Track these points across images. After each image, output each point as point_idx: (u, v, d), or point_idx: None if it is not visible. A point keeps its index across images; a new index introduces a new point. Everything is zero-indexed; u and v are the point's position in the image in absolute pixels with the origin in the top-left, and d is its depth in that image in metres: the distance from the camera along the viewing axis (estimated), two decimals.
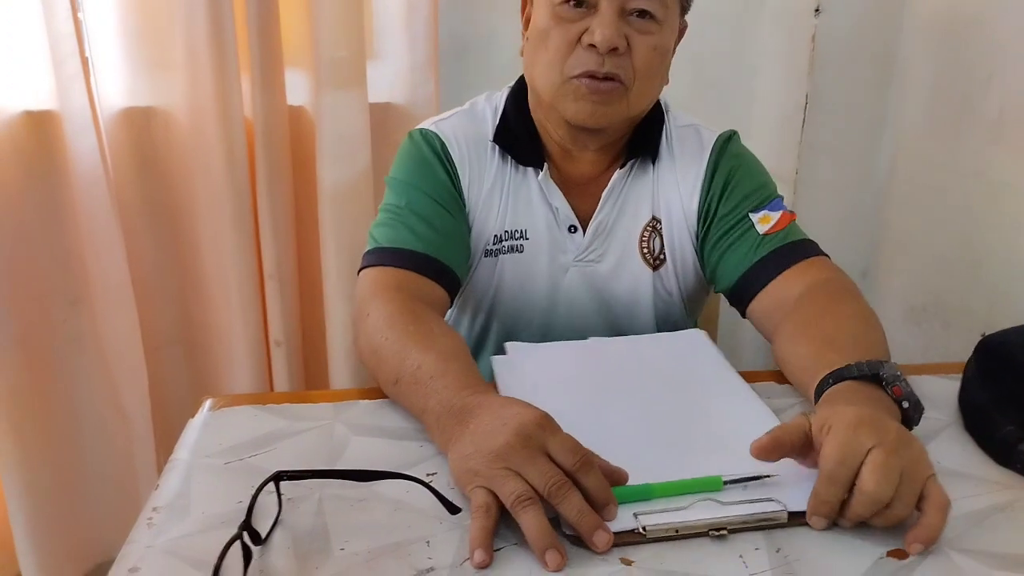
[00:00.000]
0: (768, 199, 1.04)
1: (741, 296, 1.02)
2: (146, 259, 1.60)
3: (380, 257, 0.97)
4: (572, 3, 0.94)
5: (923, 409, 0.75)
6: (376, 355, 0.85)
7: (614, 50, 0.93)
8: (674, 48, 1.03)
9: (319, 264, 1.66)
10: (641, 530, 0.63)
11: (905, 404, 0.73)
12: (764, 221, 1.01)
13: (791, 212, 1.04)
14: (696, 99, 1.74)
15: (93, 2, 1.45)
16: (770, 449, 0.67)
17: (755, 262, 1.00)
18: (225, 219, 1.56)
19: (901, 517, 0.63)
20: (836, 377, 0.75)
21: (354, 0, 1.53)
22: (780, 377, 0.91)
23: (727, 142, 1.08)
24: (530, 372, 0.89)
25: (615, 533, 0.63)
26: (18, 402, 1.54)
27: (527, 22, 1.02)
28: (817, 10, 1.57)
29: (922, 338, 1.55)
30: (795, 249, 0.99)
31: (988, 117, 1.37)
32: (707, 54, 1.75)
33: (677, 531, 0.63)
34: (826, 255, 1.00)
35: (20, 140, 1.44)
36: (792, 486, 0.67)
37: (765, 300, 0.98)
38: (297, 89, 1.59)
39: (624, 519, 0.64)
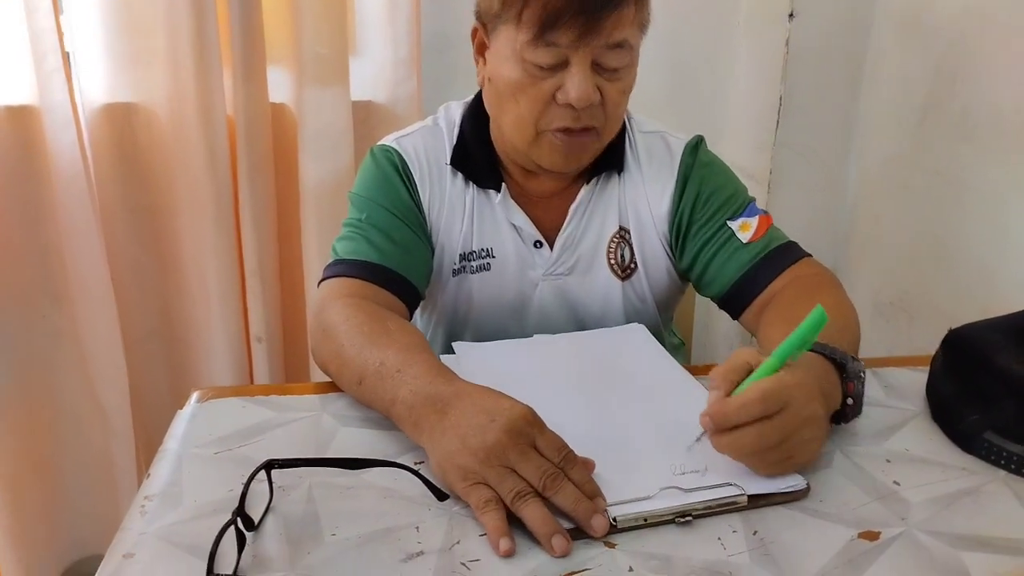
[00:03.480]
0: (744, 205, 1.05)
1: (733, 305, 1.04)
2: (126, 255, 1.61)
3: (339, 269, 0.98)
4: (547, 66, 0.91)
5: (860, 413, 0.78)
6: (338, 358, 0.85)
7: (589, 104, 0.93)
8: None
9: (300, 261, 1.67)
10: (612, 520, 0.65)
11: (849, 400, 0.77)
12: (744, 229, 1.03)
13: (766, 214, 1.05)
14: (673, 102, 1.77)
15: None
16: (726, 380, 0.70)
17: (744, 272, 1.01)
18: (206, 216, 1.56)
19: (775, 470, 0.69)
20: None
21: None
22: None
23: (695, 149, 1.08)
24: (479, 370, 0.89)
25: None
26: None
27: (480, 48, 1.00)
28: (791, 15, 1.60)
29: (889, 332, 1.60)
30: (781, 254, 1.01)
31: (953, 117, 1.41)
32: (684, 58, 1.79)
33: (646, 520, 0.66)
34: (809, 254, 1.03)
35: None
36: (750, 470, 0.70)
37: (757, 306, 1.00)
38: (279, 86, 1.60)
39: None
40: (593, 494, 0.66)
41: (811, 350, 0.76)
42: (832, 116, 1.68)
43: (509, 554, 0.62)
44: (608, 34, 0.89)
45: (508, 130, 0.99)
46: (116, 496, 1.69)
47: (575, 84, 0.90)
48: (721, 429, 0.68)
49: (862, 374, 0.77)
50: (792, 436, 0.68)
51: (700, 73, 1.81)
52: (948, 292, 1.45)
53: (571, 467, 0.67)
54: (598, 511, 0.64)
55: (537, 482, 0.65)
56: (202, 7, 1.44)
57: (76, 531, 1.71)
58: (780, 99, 1.65)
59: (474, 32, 1.01)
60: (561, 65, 0.91)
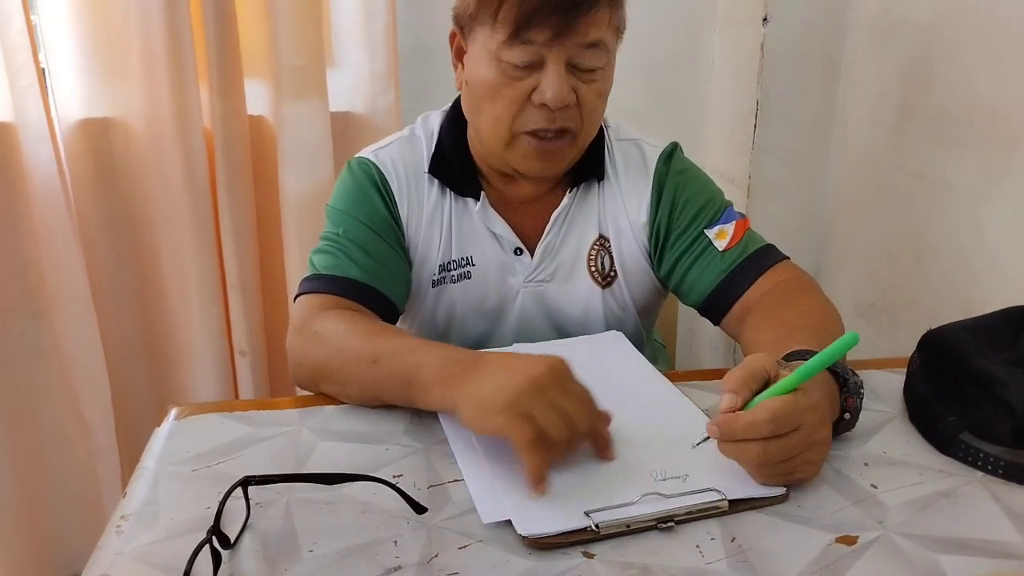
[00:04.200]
0: (720, 212, 1.05)
1: (713, 312, 1.04)
2: (106, 270, 1.60)
3: (317, 284, 0.98)
4: (522, 65, 0.92)
5: (854, 427, 0.79)
6: (341, 351, 0.85)
7: (566, 106, 0.93)
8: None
9: (283, 273, 1.66)
10: (594, 527, 0.65)
11: (846, 415, 0.77)
12: (721, 236, 1.03)
13: (743, 217, 1.05)
14: (652, 106, 1.78)
15: (48, 12, 1.44)
16: (745, 387, 0.70)
17: (721, 280, 1.01)
18: (186, 229, 1.56)
19: (783, 479, 0.70)
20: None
21: (312, 8, 1.54)
22: None
23: (669, 157, 1.08)
24: None
25: (569, 532, 0.65)
26: None
27: (458, 53, 1.00)
28: (765, 19, 1.61)
29: (872, 333, 1.60)
30: (758, 259, 1.01)
31: (929, 118, 1.42)
32: (662, 63, 1.79)
33: (628, 526, 0.66)
34: (787, 257, 1.03)
35: None
36: (730, 476, 0.71)
37: (737, 311, 1.01)
38: (257, 99, 1.60)
39: (576, 518, 0.66)
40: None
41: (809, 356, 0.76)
42: (809, 119, 1.69)
43: (542, 494, 0.68)
44: (583, 33, 0.90)
45: (484, 132, 0.99)
46: (101, 513, 1.68)
47: (550, 83, 0.91)
48: (728, 440, 0.69)
49: (862, 390, 0.77)
50: (797, 456, 0.69)
51: (677, 78, 1.82)
52: (929, 292, 1.46)
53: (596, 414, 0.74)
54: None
55: (575, 414, 0.70)
56: (177, 21, 1.43)
57: (60, 549, 1.69)
58: (757, 103, 1.65)
59: (452, 37, 1.00)
60: (537, 65, 0.92)
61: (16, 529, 1.61)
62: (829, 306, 0.95)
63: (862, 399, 0.78)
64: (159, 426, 0.85)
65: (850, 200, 1.69)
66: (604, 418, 0.75)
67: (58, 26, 1.46)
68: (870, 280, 1.62)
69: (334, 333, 0.88)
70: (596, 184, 1.07)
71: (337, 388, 0.88)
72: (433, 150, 1.06)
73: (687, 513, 0.67)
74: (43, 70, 1.44)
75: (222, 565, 0.61)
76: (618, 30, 0.97)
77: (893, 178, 1.53)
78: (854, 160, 1.66)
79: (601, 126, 1.08)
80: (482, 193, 1.05)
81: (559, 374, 0.71)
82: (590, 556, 0.63)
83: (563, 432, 0.69)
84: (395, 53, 1.60)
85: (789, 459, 0.68)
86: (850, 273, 1.70)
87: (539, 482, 0.68)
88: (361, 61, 1.61)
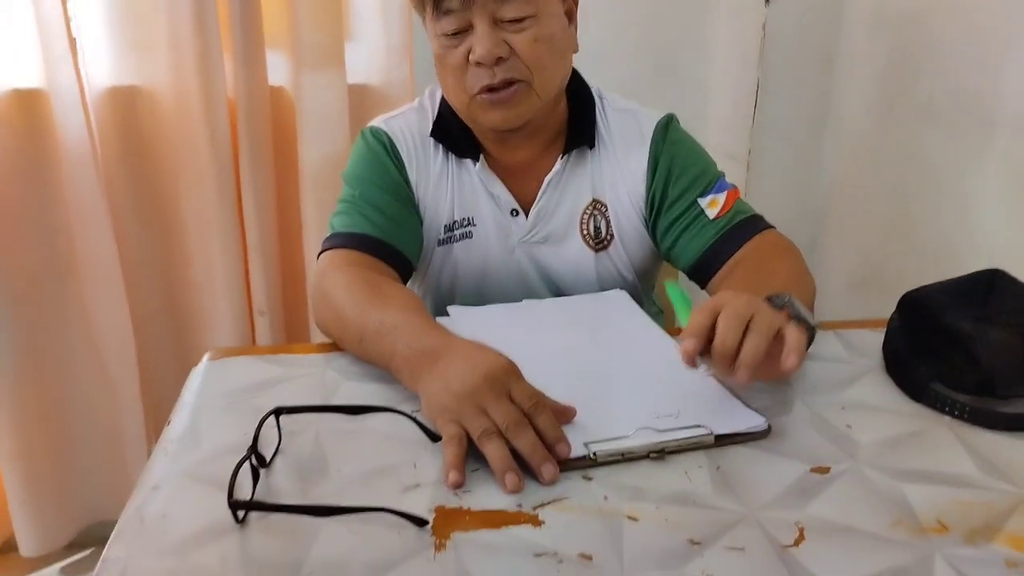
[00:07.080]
0: (712, 182, 1.11)
1: (700, 275, 1.11)
2: (133, 234, 1.66)
3: (336, 241, 1.06)
4: (451, 33, 1.00)
5: (814, 331, 0.84)
6: (339, 320, 0.93)
7: (499, 59, 0.99)
8: (573, 19, 1.09)
9: (300, 236, 1.72)
10: (592, 456, 0.72)
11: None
12: (712, 205, 1.09)
13: (734, 188, 1.12)
14: (655, 84, 1.83)
15: None
16: (695, 350, 0.76)
17: (709, 246, 1.08)
18: (209, 194, 1.62)
19: (759, 345, 0.73)
20: None
21: None
22: None
23: (665, 128, 1.14)
24: (471, 332, 0.94)
25: (571, 459, 0.72)
26: (9, 374, 1.59)
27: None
28: (767, 1, 1.66)
29: (864, 304, 1.66)
30: (744, 227, 1.08)
31: (919, 102, 1.48)
32: (666, 42, 1.84)
33: (623, 455, 0.73)
34: (772, 227, 1.09)
35: (8, 118, 1.49)
36: (717, 414, 0.78)
37: (721, 275, 1.07)
38: (277, 70, 1.65)
39: (577, 448, 0.73)
40: (556, 440, 0.72)
41: None
42: (807, 99, 1.74)
43: (456, 486, 0.69)
44: None
45: (451, 101, 1.08)
46: (125, 465, 1.75)
47: (477, 41, 0.99)
48: (699, 339, 0.75)
49: (787, 298, 0.83)
50: (752, 316, 0.74)
51: (681, 57, 1.86)
52: (916, 264, 1.52)
53: (539, 414, 0.73)
54: (549, 460, 0.70)
55: (502, 425, 0.71)
56: None
57: (87, 499, 1.76)
58: (758, 82, 1.71)
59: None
60: (468, 30, 1.00)
61: (45, 480, 1.69)
62: (798, 268, 1.01)
63: (794, 306, 0.82)
64: (194, 367, 0.92)
65: (845, 178, 1.75)
66: (549, 415, 0.74)
67: None
68: (863, 254, 1.68)
69: (336, 298, 0.94)
70: (588, 151, 1.14)
71: (344, 348, 0.95)
72: (435, 117, 1.14)
73: (676, 446, 0.74)
74: (74, 39, 1.49)
75: (260, 481, 0.69)
76: None
77: (884, 158, 1.59)
78: (849, 140, 1.72)
79: (594, 97, 1.16)
80: (481, 155, 1.13)
81: (495, 380, 0.74)
82: (588, 479, 0.70)
83: (485, 432, 0.71)
84: (410, 29, 1.65)
85: (751, 321, 0.74)
86: (844, 247, 1.75)
87: (449, 471, 0.69)
88: (377, 36, 1.66)
